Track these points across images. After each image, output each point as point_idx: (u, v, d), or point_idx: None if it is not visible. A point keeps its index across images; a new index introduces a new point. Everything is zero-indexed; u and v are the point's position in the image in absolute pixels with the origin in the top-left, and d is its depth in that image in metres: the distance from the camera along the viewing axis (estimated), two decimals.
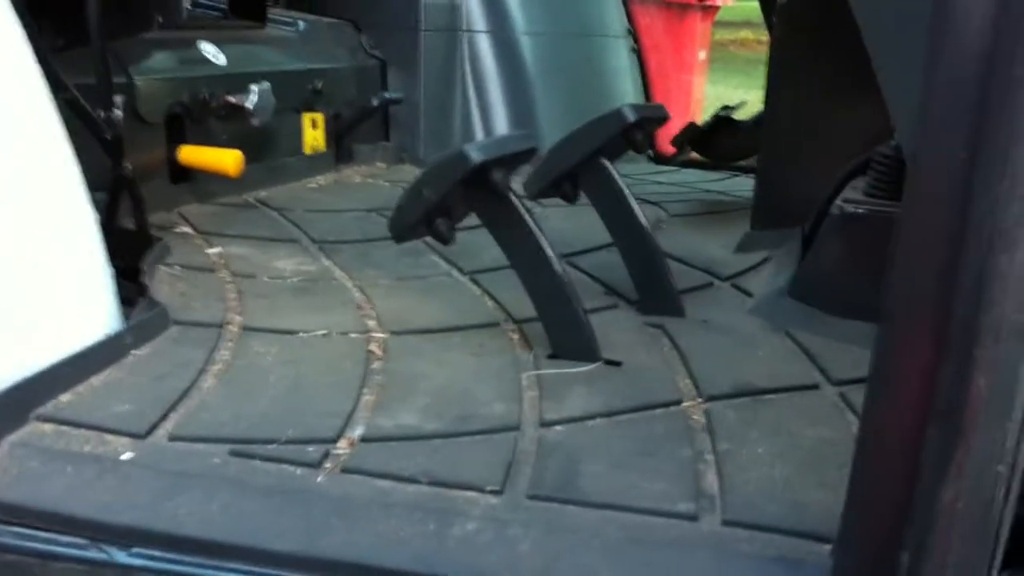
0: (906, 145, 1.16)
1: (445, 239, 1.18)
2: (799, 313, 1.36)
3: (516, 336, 1.29)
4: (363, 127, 2.42)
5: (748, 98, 2.42)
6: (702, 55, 4.59)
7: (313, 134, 2.25)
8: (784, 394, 1.15)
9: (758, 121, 2.00)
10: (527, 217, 1.17)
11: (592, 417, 1.07)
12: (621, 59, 2.89)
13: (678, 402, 1.11)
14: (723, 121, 2.04)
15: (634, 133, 1.34)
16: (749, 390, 1.14)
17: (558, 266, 1.18)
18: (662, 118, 1.44)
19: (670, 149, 2.44)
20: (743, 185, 2.36)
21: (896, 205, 1.29)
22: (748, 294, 1.46)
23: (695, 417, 1.08)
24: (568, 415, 1.07)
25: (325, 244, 1.68)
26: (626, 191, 1.34)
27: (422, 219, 1.17)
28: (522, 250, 1.19)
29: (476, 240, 1.44)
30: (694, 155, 2.40)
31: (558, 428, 1.05)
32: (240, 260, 1.56)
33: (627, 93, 2.79)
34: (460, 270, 1.56)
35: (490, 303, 1.42)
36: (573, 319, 1.18)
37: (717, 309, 1.40)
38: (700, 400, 1.12)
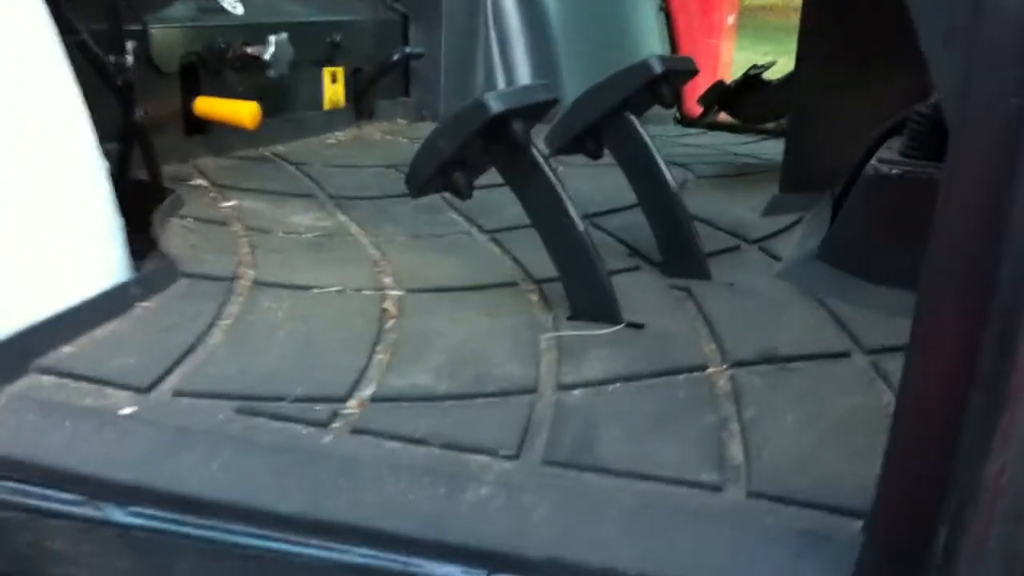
0: (948, 100, 1.11)
1: (462, 193, 1.14)
2: (829, 278, 1.31)
3: (535, 297, 1.25)
4: (383, 82, 2.36)
5: (777, 59, 2.35)
6: (731, 19, 4.50)
7: (333, 88, 2.20)
8: (813, 361, 1.10)
9: (788, 81, 1.94)
10: (548, 171, 1.12)
11: (612, 381, 1.02)
12: (648, 18, 2.82)
13: (703, 367, 1.06)
14: (752, 80, 1.97)
15: (661, 86, 1.29)
16: (777, 357, 1.09)
17: (580, 224, 1.13)
18: (690, 71, 1.38)
19: (696, 109, 2.37)
20: (771, 149, 2.30)
21: (933, 166, 1.24)
22: (776, 258, 1.41)
23: (720, 383, 1.04)
24: (587, 378, 1.03)
25: (342, 200, 1.64)
26: (652, 147, 1.29)
27: (438, 172, 1.13)
28: (543, 206, 1.14)
29: (497, 198, 1.40)
30: (722, 117, 2.34)
31: (576, 392, 1.00)
32: (255, 214, 1.52)
33: (653, 53, 2.72)
34: (480, 228, 1.52)
35: (509, 262, 1.37)
36: (595, 280, 1.14)
37: (744, 273, 1.35)
38: (725, 366, 1.07)
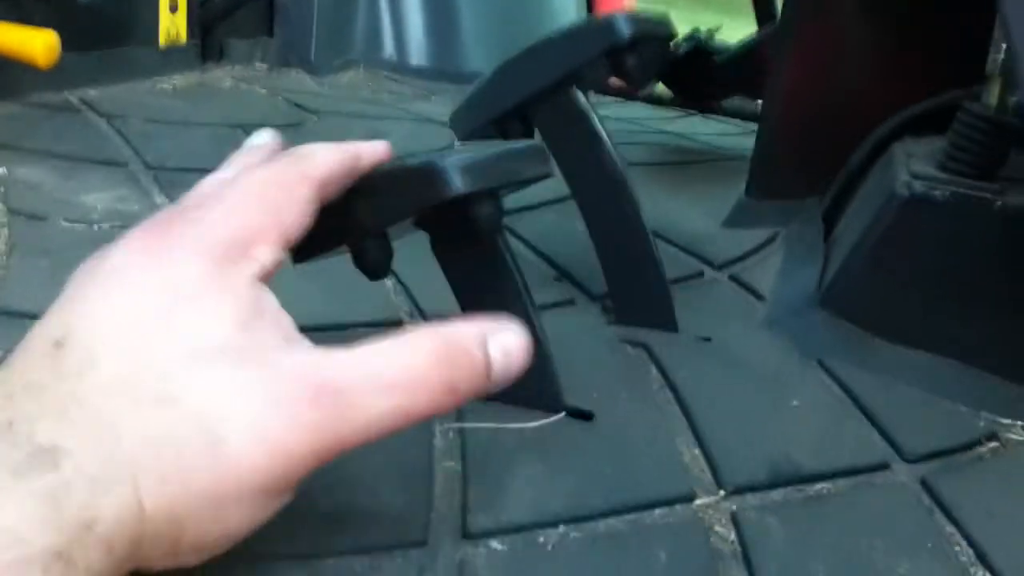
0: None
1: (377, 272, 0.70)
2: (837, 333, 0.94)
3: None
4: (239, 16, 1.90)
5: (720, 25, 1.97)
6: None
7: (172, 19, 1.73)
8: (844, 480, 0.74)
9: (743, 55, 1.57)
10: (519, 279, 0.73)
11: (551, 525, 0.64)
12: None
13: (688, 497, 0.68)
14: (698, 51, 1.60)
15: (625, 57, 0.89)
16: (793, 475, 0.72)
17: (539, 328, 0.73)
18: (666, 36, 0.99)
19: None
20: (709, 129, 1.94)
21: (990, 188, 0.89)
22: (756, 294, 1.04)
23: (718, 528, 0.66)
24: (510, 518, 0.63)
25: (163, 172, 1.19)
26: (607, 141, 0.90)
27: (343, 238, 0.70)
28: (490, 304, 0.72)
29: None
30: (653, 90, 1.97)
31: (494, 545, 0.62)
32: (29, 190, 1.07)
33: (568, 4, 2.33)
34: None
35: (396, 288, 0.97)
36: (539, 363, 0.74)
37: (717, 317, 0.97)
38: (722, 493, 0.69)
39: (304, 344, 0.49)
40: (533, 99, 0.90)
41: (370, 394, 0.46)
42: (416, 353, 0.48)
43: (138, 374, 0.43)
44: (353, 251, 0.67)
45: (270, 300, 0.49)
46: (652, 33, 0.96)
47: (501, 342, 0.52)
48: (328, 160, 0.56)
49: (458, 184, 0.61)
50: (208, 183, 0.55)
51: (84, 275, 0.48)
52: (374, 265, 0.67)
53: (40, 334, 0.45)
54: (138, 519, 0.40)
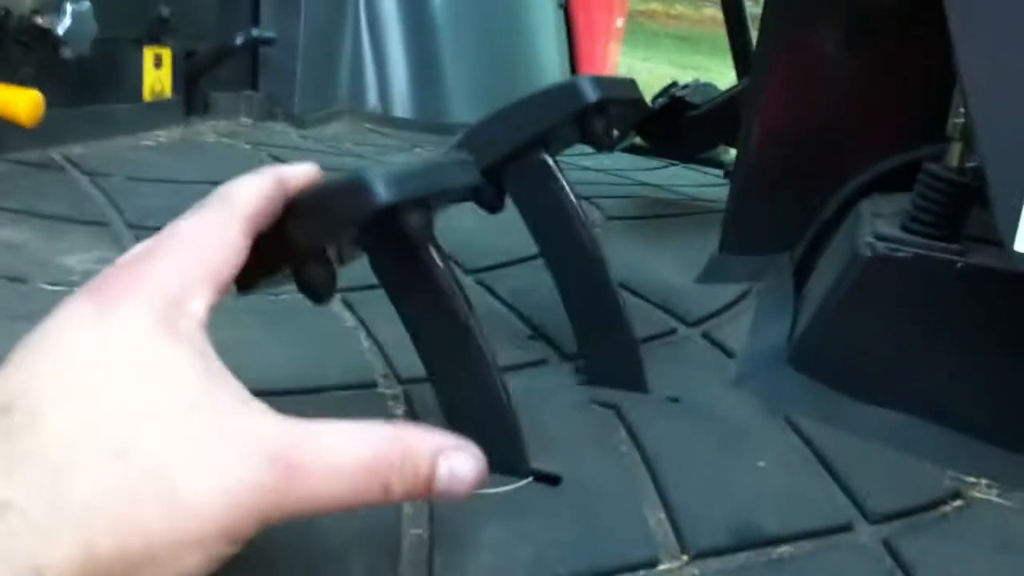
0: (993, 163, 0.78)
1: (320, 294, 0.72)
2: (804, 389, 0.96)
3: (400, 409, 0.86)
4: (224, 70, 1.92)
5: (684, 76, 2.01)
6: (620, 22, 4.21)
7: (156, 75, 1.76)
8: (806, 543, 0.75)
9: (722, 106, 1.59)
10: (453, 288, 0.72)
11: None
12: (546, 15, 2.45)
13: (652, 563, 0.69)
14: (676, 104, 1.62)
15: (593, 120, 0.91)
16: (757, 538, 0.73)
17: (492, 368, 0.74)
18: (633, 100, 1.01)
19: None
20: (684, 178, 1.97)
21: (950, 250, 0.90)
22: (726, 350, 1.06)
23: None
24: None
25: (143, 231, 1.21)
26: (575, 206, 0.91)
27: (282, 262, 0.71)
28: (436, 336, 0.73)
29: None
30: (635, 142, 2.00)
31: None
32: (10, 251, 1.08)
33: (551, 57, 2.36)
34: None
35: (367, 344, 0.98)
36: (493, 412, 0.75)
37: (688, 376, 0.98)
38: (686, 559, 0.70)
39: (261, 407, 0.50)
40: (503, 161, 0.92)
41: (318, 475, 0.48)
42: (367, 447, 0.50)
43: (90, 429, 0.44)
44: (295, 274, 0.67)
45: (212, 354, 0.51)
46: (622, 96, 0.98)
47: (453, 464, 0.53)
48: (253, 194, 0.58)
49: (383, 194, 0.62)
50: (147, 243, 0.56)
51: (30, 340, 0.49)
52: (316, 286, 0.68)
53: None
54: (91, 563, 0.42)
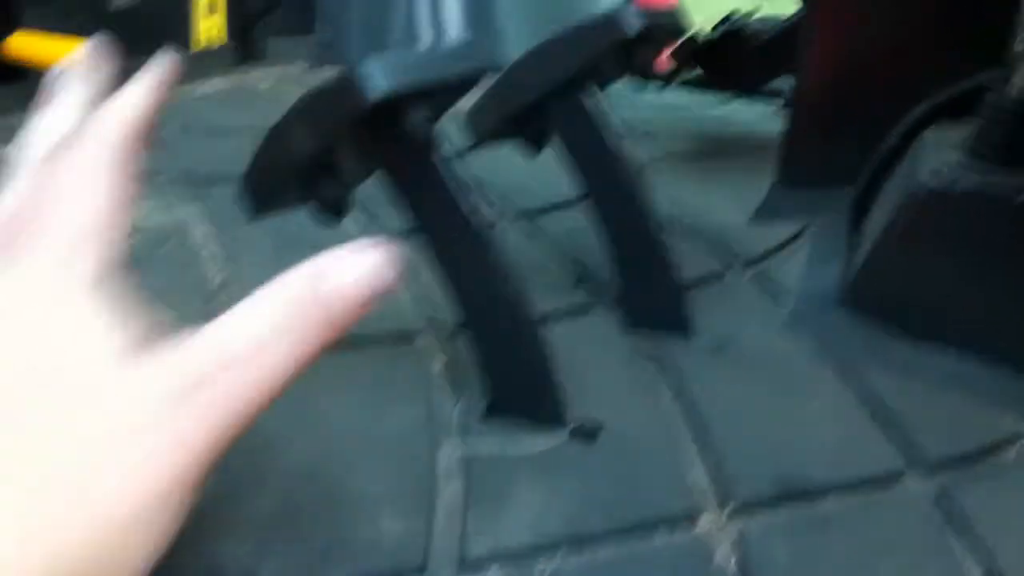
0: None
1: (336, 210, 0.71)
2: (858, 331, 0.92)
3: (438, 364, 0.85)
4: (281, 15, 1.91)
5: (748, 5, 1.93)
6: None
7: (210, 20, 1.75)
8: (855, 493, 0.72)
9: (784, 34, 1.53)
10: (461, 196, 0.70)
11: (549, 549, 0.64)
12: None
13: (691, 516, 0.68)
14: (735, 32, 1.56)
15: (637, 50, 0.87)
16: (802, 488, 0.71)
17: (508, 283, 0.72)
18: (678, 29, 0.97)
19: (664, 64, 1.96)
20: (745, 112, 1.90)
21: (1017, 184, 0.85)
22: (779, 291, 1.02)
23: (720, 551, 0.66)
24: (509, 543, 0.63)
25: (192, 182, 1.21)
26: (615, 142, 0.88)
27: (292, 180, 0.70)
28: (450, 248, 0.72)
29: None
30: (692, 74, 1.93)
31: (491, 572, 0.62)
32: None
33: None
34: (381, 229, 1.07)
35: (409, 295, 0.97)
36: (525, 358, 0.74)
37: (738, 319, 0.95)
38: (727, 511, 0.69)
39: (140, 350, 0.43)
40: (546, 97, 0.89)
41: (222, 377, 0.42)
42: (262, 316, 0.44)
43: None
44: (304, 192, 0.65)
45: (101, 309, 0.44)
46: (664, 24, 0.94)
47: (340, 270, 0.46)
48: (125, 116, 0.54)
49: (376, 86, 0.57)
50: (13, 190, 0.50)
51: None
52: (335, 204, 0.65)
53: None
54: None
